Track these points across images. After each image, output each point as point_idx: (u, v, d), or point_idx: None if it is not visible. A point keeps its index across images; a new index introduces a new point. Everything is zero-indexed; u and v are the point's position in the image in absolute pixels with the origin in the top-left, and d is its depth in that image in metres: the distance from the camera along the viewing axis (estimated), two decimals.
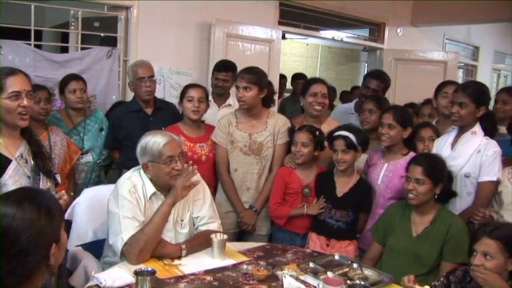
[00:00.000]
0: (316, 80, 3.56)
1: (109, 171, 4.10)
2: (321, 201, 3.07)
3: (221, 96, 4.11)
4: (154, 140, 2.53)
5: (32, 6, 4.18)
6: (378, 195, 3.11)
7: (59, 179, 2.65)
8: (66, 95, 3.67)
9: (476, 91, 2.91)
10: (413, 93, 4.16)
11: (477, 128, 2.93)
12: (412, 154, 3.07)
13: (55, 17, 5.47)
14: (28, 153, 2.31)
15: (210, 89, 3.99)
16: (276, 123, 3.31)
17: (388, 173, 3.10)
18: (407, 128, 3.08)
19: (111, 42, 4.86)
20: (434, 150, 3.09)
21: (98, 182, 3.77)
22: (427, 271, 2.59)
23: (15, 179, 2.21)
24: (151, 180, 2.56)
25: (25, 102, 2.23)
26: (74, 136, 3.63)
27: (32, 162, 2.30)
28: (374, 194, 3.12)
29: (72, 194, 3.09)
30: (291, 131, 3.26)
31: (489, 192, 2.86)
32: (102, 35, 5.07)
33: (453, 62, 7.00)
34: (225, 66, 4.06)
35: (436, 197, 2.67)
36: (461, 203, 2.91)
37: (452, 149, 2.99)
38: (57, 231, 1.42)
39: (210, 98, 3.92)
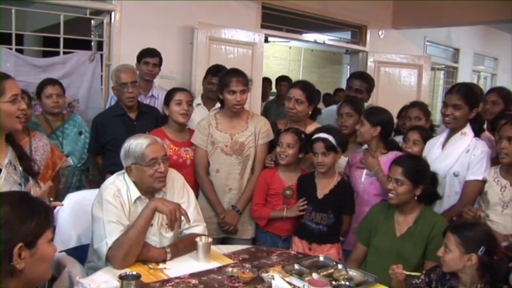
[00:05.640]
0: (294, 84, 3.54)
1: (90, 176, 4.06)
2: (301, 203, 3.06)
3: (212, 100, 4.10)
4: (137, 142, 2.53)
5: (13, 10, 4.15)
6: (362, 192, 3.13)
7: (41, 184, 2.62)
8: (42, 100, 3.65)
9: (469, 93, 2.92)
10: (395, 95, 4.18)
11: (467, 129, 2.97)
12: (392, 152, 3.13)
13: (37, 21, 5.43)
14: (15, 159, 2.27)
15: (195, 92, 3.99)
16: (256, 123, 3.33)
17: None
18: (377, 127, 3.13)
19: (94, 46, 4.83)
20: (425, 151, 3.14)
21: (79, 187, 3.74)
22: (411, 271, 2.60)
23: (7, 187, 2.16)
24: (135, 184, 2.56)
25: (23, 105, 2.20)
26: (52, 141, 3.56)
27: (20, 168, 2.27)
28: (357, 194, 3.15)
29: (51, 199, 3.05)
30: (277, 133, 3.26)
31: (475, 191, 2.89)
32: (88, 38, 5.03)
33: (427, 65, 7.04)
34: (220, 72, 4.01)
35: (416, 198, 2.69)
36: (449, 202, 2.95)
37: (442, 149, 3.03)
38: (29, 235, 1.42)
39: (200, 101, 3.98)
